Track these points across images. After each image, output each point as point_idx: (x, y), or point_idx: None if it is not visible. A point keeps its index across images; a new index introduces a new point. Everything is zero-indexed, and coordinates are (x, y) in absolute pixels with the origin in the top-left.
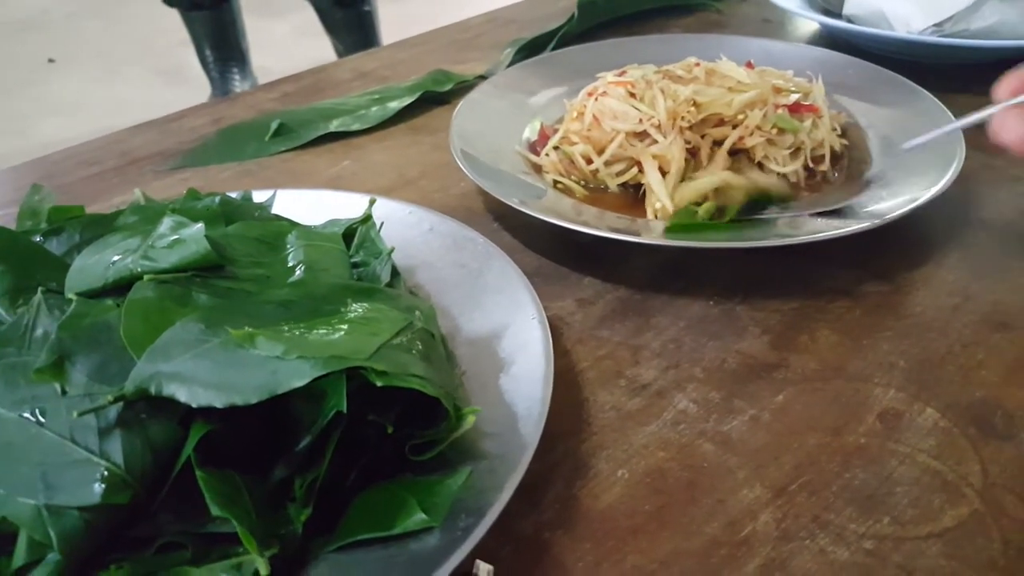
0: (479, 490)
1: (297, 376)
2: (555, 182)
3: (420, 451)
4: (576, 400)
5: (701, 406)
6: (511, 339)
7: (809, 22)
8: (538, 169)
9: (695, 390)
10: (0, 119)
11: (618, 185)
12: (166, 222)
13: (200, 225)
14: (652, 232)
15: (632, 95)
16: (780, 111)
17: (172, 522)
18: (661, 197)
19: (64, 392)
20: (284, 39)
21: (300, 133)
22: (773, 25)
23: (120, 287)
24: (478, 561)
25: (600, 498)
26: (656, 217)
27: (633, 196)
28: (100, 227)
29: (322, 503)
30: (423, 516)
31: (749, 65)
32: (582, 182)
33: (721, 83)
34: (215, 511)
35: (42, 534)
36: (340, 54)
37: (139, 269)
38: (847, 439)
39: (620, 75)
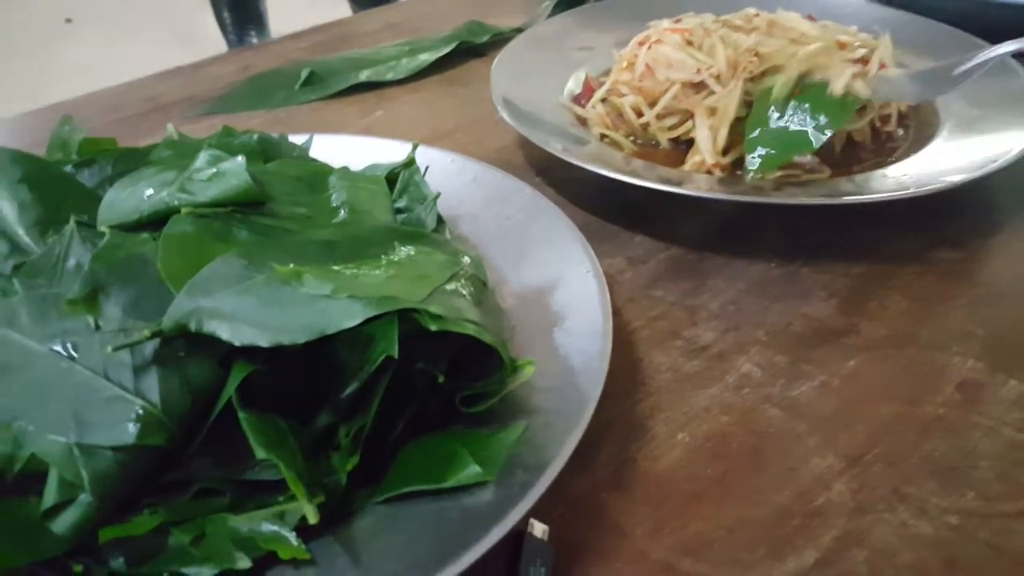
0: (535, 446)
1: (348, 316)
2: (602, 136)
3: (471, 403)
4: (630, 360)
5: (766, 370)
6: (563, 292)
7: None
8: (583, 123)
9: (758, 353)
10: (16, 79)
11: (669, 140)
12: (203, 156)
13: (241, 158)
14: (706, 185)
15: (689, 43)
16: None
17: (209, 467)
18: (704, 150)
19: (97, 326)
20: (303, 4)
21: (330, 82)
22: None
23: (156, 221)
24: (533, 520)
25: (659, 461)
26: (692, 170)
27: (685, 152)
28: (133, 161)
29: (368, 453)
30: (477, 469)
31: (810, 18)
32: (631, 136)
33: (783, 35)
34: (260, 454)
35: (73, 474)
36: None
37: (176, 202)
38: (924, 409)
39: (676, 23)
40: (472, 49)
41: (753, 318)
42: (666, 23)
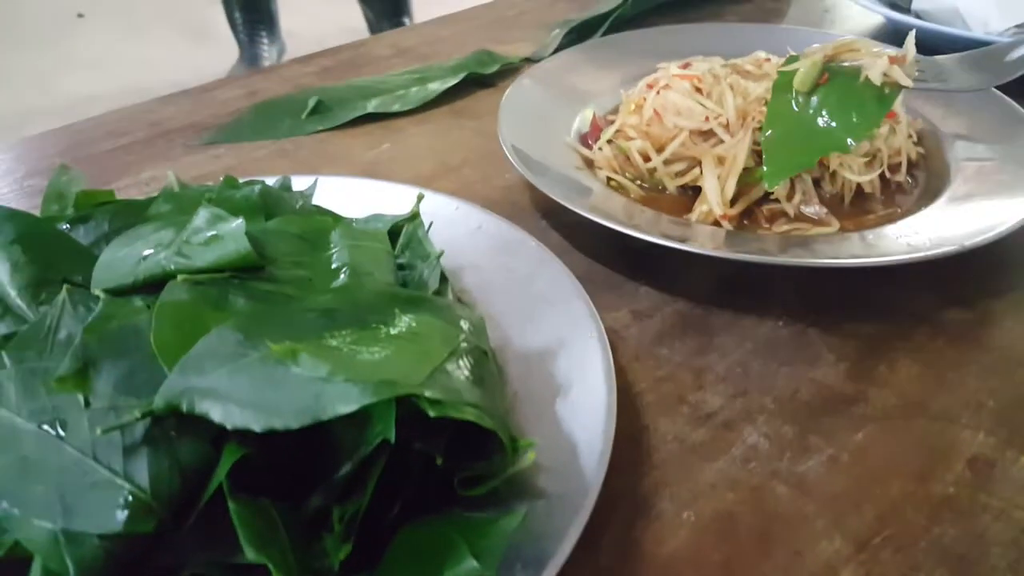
0: (536, 535)
1: (343, 401)
2: (608, 179)
3: (470, 485)
4: (635, 428)
5: (773, 442)
6: (567, 357)
7: (872, 15)
8: (590, 164)
9: (766, 423)
10: (26, 72)
11: (677, 187)
12: (202, 214)
13: (240, 221)
14: (712, 241)
15: (698, 90)
16: None
17: (198, 552)
18: (711, 200)
19: (87, 403)
20: (313, 4)
21: (337, 112)
22: (833, 17)
23: (151, 285)
24: None
25: (664, 544)
26: (699, 220)
27: (692, 198)
28: (131, 215)
29: (361, 537)
30: (474, 564)
31: None
32: (637, 180)
33: None
34: (250, 555)
35: (58, 563)
36: (370, 21)
37: (172, 267)
38: (934, 488)
39: (684, 67)
40: (480, 79)
41: (761, 383)
42: (675, 68)
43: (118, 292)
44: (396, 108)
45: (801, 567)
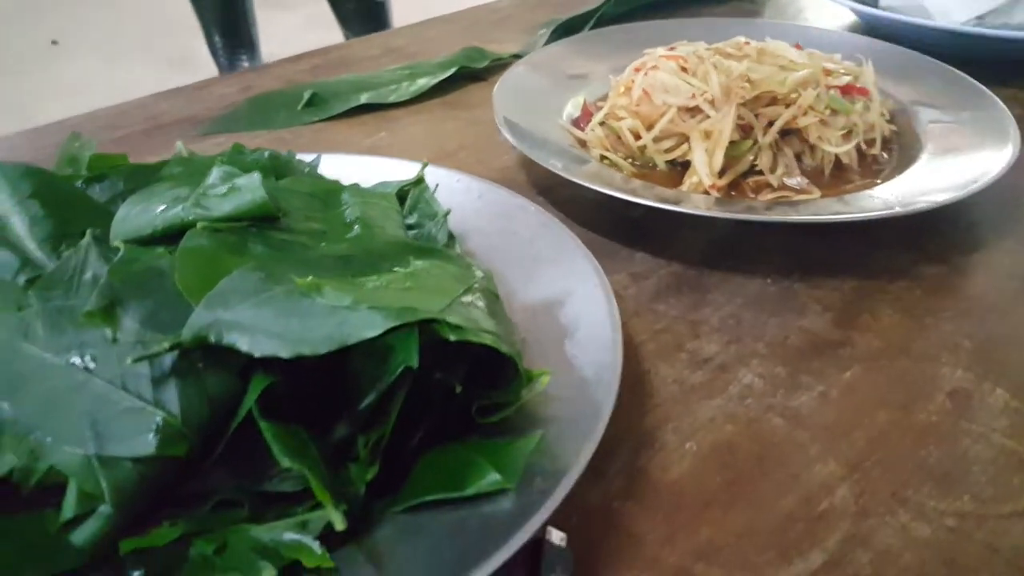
0: (552, 454)
1: (369, 327)
2: (602, 157)
3: (488, 413)
4: (637, 372)
5: (767, 381)
6: (572, 305)
7: (845, 14)
8: (583, 145)
9: (759, 365)
10: (4, 99)
11: (667, 162)
12: (216, 172)
13: (256, 174)
14: (704, 205)
15: (684, 70)
16: (832, 92)
17: (228, 478)
18: (700, 171)
19: (115, 339)
20: (294, 29)
21: (332, 104)
22: (807, 15)
23: (170, 235)
24: (550, 528)
25: (669, 470)
26: (689, 191)
27: (681, 174)
28: (144, 177)
29: (385, 463)
30: (497, 477)
31: (797, 47)
32: (629, 158)
33: (773, 62)
34: (285, 463)
35: (93, 485)
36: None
37: (191, 217)
38: (918, 417)
39: (671, 51)
40: (471, 74)
41: (752, 331)
42: (661, 51)
43: (138, 243)
44: (391, 99)
45: (798, 487)
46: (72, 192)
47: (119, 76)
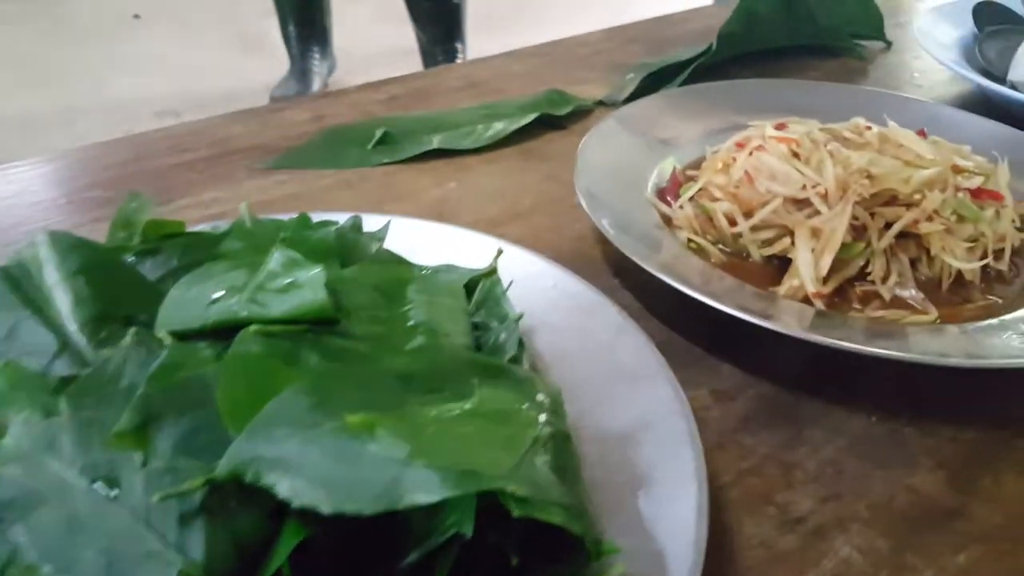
0: None
1: (423, 490)
2: (688, 240)
3: None
4: (718, 526)
5: (867, 556)
6: (652, 444)
7: (962, 82)
8: (668, 221)
9: (859, 534)
10: (79, 70)
11: (763, 256)
12: (278, 257)
13: (319, 270)
14: (800, 320)
15: (795, 155)
16: (961, 195)
17: None
18: (804, 275)
19: (145, 462)
20: (366, 23)
21: (404, 145)
22: (921, 80)
23: (221, 330)
24: None
25: None
26: (788, 295)
27: (777, 269)
28: (201, 250)
29: None
30: None
31: (921, 133)
32: (719, 244)
33: (896, 153)
34: None
35: None
36: (422, 43)
37: (245, 313)
38: None
39: (779, 128)
40: (552, 120)
41: (854, 485)
42: (770, 128)
43: (185, 335)
44: (465, 145)
45: None
46: (122, 270)
47: (192, 55)
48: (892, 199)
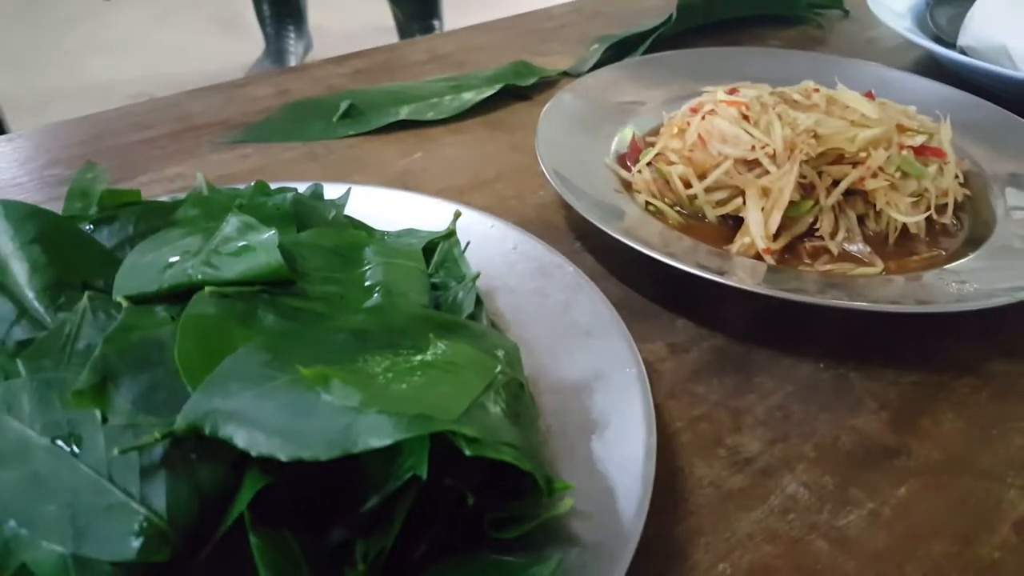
0: (585, 565)
1: (376, 434)
2: (647, 203)
3: (502, 527)
4: (670, 469)
5: (813, 492)
6: (604, 393)
7: (914, 47)
8: (628, 186)
9: (806, 472)
10: (50, 52)
11: (717, 216)
12: (232, 222)
13: (273, 232)
14: (753, 276)
15: (745, 118)
16: (905, 152)
17: None
18: (754, 233)
19: (104, 420)
20: (343, 2)
21: (369, 117)
22: (876, 46)
23: (176, 294)
24: None
25: None
26: (740, 253)
27: (732, 229)
28: (157, 218)
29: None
30: None
31: (869, 95)
32: (676, 206)
33: (843, 114)
34: None
35: None
36: (399, 21)
37: (200, 276)
38: (979, 550)
39: (731, 93)
40: (517, 92)
41: (801, 428)
42: (722, 93)
43: (141, 300)
44: (430, 116)
45: None
46: (78, 237)
47: (167, 36)
48: (839, 158)
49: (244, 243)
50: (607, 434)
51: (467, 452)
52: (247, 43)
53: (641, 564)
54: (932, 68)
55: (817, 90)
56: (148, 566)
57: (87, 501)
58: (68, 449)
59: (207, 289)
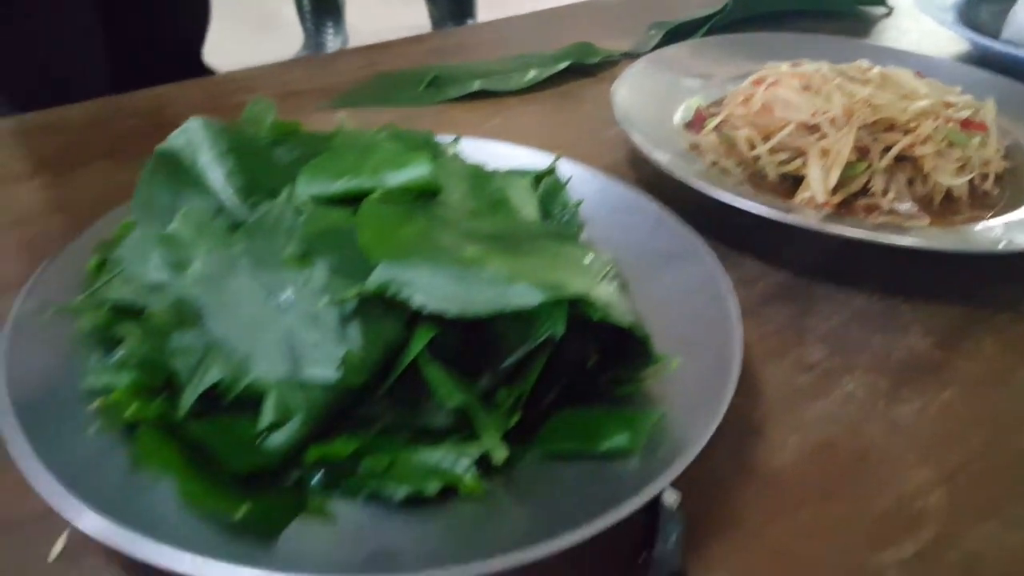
0: (673, 432)
1: (524, 297)
2: (713, 163)
3: (619, 384)
4: (746, 371)
5: (869, 391)
6: (693, 299)
7: (959, 43)
8: (695, 150)
9: (862, 376)
10: None
11: (778, 176)
12: (387, 145)
13: (423, 153)
14: (814, 220)
15: (807, 88)
16: (951, 124)
17: (390, 411)
18: (815, 187)
19: (307, 283)
20: (374, 1)
21: (450, 87)
22: (920, 41)
23: (348, 200)
24: (666, 493)
25: (772, 460)
26: (801, 205)
27: (791, 188)
28: (317, 144)
29: (520, 419)
30: (626, 439)
31: (918, 74)
32: (740, 166)
33: (895, 89)
34: (455, 400)
35: (290, 401)
36: (434, 18)
37: (368, 184)
38: (1014, 440)
39: (794, 66)
40: (583, 69)
41: (857, 344)
42: (785, 67)
43: (322, 202)
44: (505, 88)
45: (894, 487)
46: (263, 151)
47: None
48: (891, 127)
49: (401, 160)
50: (698, 328)
51: (594, 317)
52: (284, 40)
53: (723, 435)
54: (976, 61)
55: (872, 68)
56: (347, 389)
57: (299, 338)
58: (281, 301)
59: (375, 194)
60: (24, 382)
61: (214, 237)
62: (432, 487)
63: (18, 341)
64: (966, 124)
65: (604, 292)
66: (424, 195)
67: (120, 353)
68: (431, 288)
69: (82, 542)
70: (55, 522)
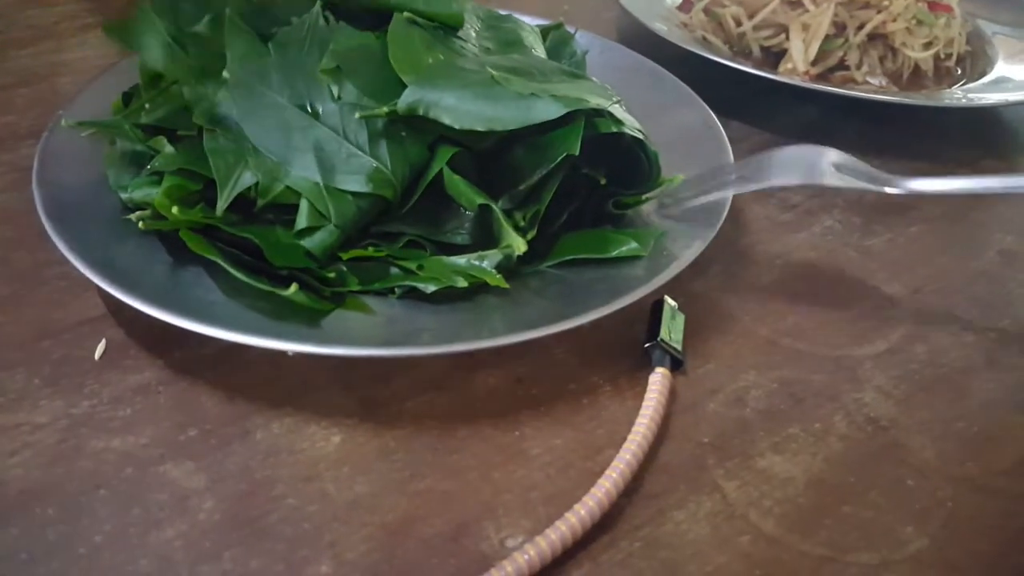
0: (673, 244)
1: (547, 110)
2: (703, 37)
3: (622, 207)
4: (733, 209)
5: (845, 225)
6: (690, 141)
7: None
8: (683, 28)
9: (839, 213)
10: None
11: (762, 50)
12: None
13: None
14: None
15: None
16: (920, 4)
17: (415, 225)
18: (796, 58)
19: (338, 97)
20: None
21: None
22: None
23: (377, 14)
24: (666, 296)
25: (760, 277)
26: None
27: (774, 63)
28: None
29: (535, 237)
30: (635, 244)
31: None
32: (727, 43)
33: None
34: (479, 200)
35: (323, 206)
36: None
37: (395, 1)
38: (971, 263)
39: None
40: None
41: (834, 189)
42: None
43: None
44: None
45: (869, 297)
46: None
47: None
48: (866, 4)
49: None
50: (691, 165)
51: (613, 129)
52: None
53: (716, 255)
54: None
55: None
56: (376, 201)
57: (330, 150)
58: (310, 113)
59: (404, 14)
60: (59, 200)
61: (248, 41)
62: (461, 282)
63: (48, 165)
64: (933, 6)
65: (618, 110)
66: (445, 27)
67: (156, 163)
68: (458, 108)
69: (118, 347)
70: (94, 327)
